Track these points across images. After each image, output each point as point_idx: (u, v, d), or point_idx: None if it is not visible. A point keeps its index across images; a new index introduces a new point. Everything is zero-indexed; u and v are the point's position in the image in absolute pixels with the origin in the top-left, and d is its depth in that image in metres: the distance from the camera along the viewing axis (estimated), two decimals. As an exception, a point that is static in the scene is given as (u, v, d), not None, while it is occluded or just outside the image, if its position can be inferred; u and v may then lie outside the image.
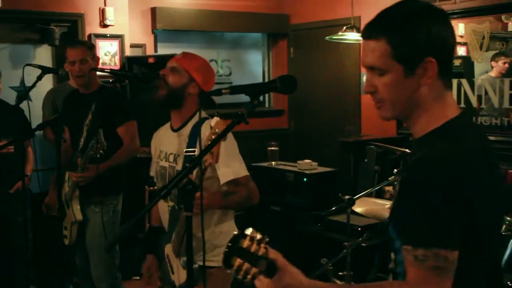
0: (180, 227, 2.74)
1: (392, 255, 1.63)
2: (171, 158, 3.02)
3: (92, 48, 4.19)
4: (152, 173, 3.23)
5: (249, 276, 1.56)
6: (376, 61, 1.58)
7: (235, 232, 1.61)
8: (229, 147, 2.83)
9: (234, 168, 2.86)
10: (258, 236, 1.59)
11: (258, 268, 1.56)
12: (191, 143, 2.89)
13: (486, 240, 1.55)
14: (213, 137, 2.42)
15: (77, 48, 4.06)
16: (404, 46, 1.54)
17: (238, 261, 1.56)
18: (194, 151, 2.84)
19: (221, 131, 2.41)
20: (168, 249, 2.93)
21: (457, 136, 1.56)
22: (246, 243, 1.58)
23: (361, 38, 6.62)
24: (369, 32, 1.61)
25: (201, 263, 2.58)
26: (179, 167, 2.94)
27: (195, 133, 2.90)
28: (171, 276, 2.93)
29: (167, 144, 3.08)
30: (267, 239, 1.60)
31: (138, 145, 4.12)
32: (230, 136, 2.82)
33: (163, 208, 3.03)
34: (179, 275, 2.84)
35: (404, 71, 1.56)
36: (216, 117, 2.46)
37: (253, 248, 1.57)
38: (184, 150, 2.92)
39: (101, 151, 3.59)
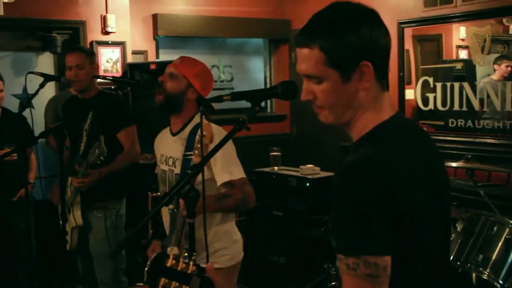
0: (178, 229, 2.76)
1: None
2: (170, 161, 3.06)
3: (90, 55, 4.20)
4: None
5: None
6: (311, 69, 1.57)
7: (156, 253, 1.61)
8: (226, 149, 2.85)
9: (230, 170, 2.89)
10: (184, 254, 1.58)
11: (189, 285, 1.55)
12: (189, 146, 2.92)
13: (422, 242, 1.52)
14: (204, 141, 2.46)
15: (75, 54, 4.08)
16: (338, 52, 1.52)
17: (163, 281, 1.55)
18: (191, 155, 2.87)
19: (208, 133, 2.52)
20: (170, 251, 2.94)
21: (384, 139, 1.54)
22: (170, 262, 1.57)
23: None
24: (301, 39, 1.58)
25: (202, 265, 2.58)
26: (178, 170, 2.96)
27: (193, 137, 2.94)
28: None
29: (167, 148, 3.11)
30: (194, 256, 1.59)
31: (139, 150, 4.14)
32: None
33: (164, 211, 3.05)
34: None
35: (340, 77, 1.54)
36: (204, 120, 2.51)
37: (180, 266, 1.56)
38: (183, 154, 2.94)
39: (101, 158, 3.60)
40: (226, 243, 3.01)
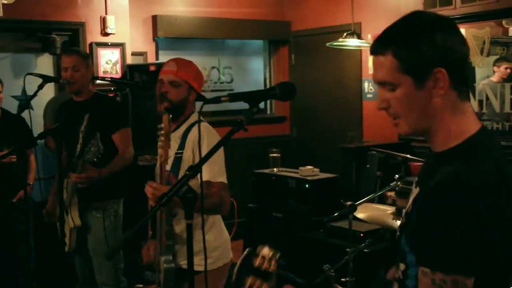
0: (158, 225, 2.78)
1: (402, 266, 1.60)
2: None
3: (86, 57, 4.20)
4: None
5: None
6: (385, 76, 1.56)
7: (248, 249, 1.68)
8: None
9: (212, 170, 2.88)
10: (270, 254, 1.64)
11: (268, 283, 1.60)
12: (182, 145, 2.97)
13: (502, 262, 1.52)
14: (162, 132, 2.64)
15: (71, 56, 4.10)
16: (411, 58, 1.52)
17: (251, 279, 1.61)
18: (182, 153, 2.95)
19: (165, 125, 2.65)
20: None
21: (477, 157, 1.52)
22: (258, 260, 1.62)
23: (361, 44, 6.56)
24: (375, 47, 1.59)
25: (184, 266, 2.63)
26: (169, 167, 2.97)
27: (187, 135, 2.99)
28: (159, 275, 2.95)
29: None
30: (279, 254, 1.63)
31: (132, 152, 4.16)
32: (216, 139, 2.87)
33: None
34: (162, 273, 2.87)
35: (414, 83, 1.53)
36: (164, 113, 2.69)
37: (265, 265, 1.61)
38: (175, 152, 2.97)
39: (98, 155, 3.61)
40: (209, 244, 2.98)
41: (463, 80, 1.58)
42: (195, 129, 2.96)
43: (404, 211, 1.66)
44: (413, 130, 1.60)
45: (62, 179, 3.79)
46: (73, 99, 4.19)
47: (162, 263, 2.86)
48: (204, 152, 2.62)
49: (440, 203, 1.44)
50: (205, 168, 2.84)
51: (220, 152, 2.94)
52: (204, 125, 2.99)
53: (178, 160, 2.96)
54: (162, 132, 2.67)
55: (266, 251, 1.65)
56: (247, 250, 1.81)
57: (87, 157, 3.64)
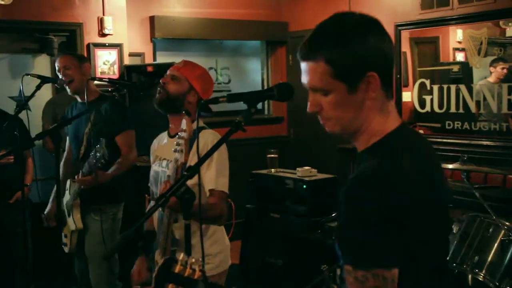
0: (163, 231, 2.77)
1: (338, 271, 1.62)
2: (164, 163, 3.04)
3: (79, 57, 4.22)
4: None
5: None
6: (318, 82, 1.55)
7: (165, 258, 1.62)
8: (221, 157, 2.85)
9: (218, 178, 2.86)
10: (192, 260, 1.59)
11: None
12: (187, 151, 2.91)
13: (426, 250, 1.53)
14: (183, 135, 2.53)
15: (62, 57, 4.13)
16: (343, 64, 1.51)
17: (170, 286, 1.57)
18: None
19: (189, 129, 2.54)
20: (157, 255, 2.94)
21: (392, 151, 1.53)
22: (178, 268, 1.58)
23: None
24: (306, 52, 1.57)
25: None
26: (170, 172, 2.95)
27: (191, 140, 2.92)
28: None
29: (163, 150, 3.10)
30: (201, 262, 1.60)
31: (136, 154, 4.15)
32: (224, 148, 2.84)
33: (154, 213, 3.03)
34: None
35: (347, 88, 1.53)
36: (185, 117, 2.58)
37: (187, 272, 1.57)
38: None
39: (102, 160, 3.60)
40: (211, 251, 2.99)
41: (390, 81, 1.59)
42: (202, 137, 2.86)
43: None
44: (343, 131, 1.61)
45: (64, 180, 3.79)
46: (79, 101, 4.19)
47: None
48: (214, 163, 2.62)
49: (352, 199, 1.46)
50: (210, 174, 2.83)
51: (225, 160, 2.93)
52: (212, 133, 2.97)
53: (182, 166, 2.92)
54: (183, 135, 2.58)
55: (184, 257, 1.61)
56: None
57: (91, 162, 3.62)
